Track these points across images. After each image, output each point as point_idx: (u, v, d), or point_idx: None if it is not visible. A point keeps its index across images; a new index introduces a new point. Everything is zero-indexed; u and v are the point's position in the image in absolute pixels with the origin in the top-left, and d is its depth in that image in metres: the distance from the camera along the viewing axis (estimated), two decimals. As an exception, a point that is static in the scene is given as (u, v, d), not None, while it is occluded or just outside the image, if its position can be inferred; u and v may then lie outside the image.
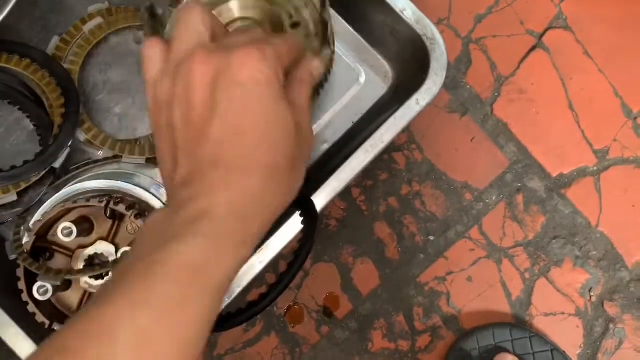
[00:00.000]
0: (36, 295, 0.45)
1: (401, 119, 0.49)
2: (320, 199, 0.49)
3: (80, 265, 0.47)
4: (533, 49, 0.57)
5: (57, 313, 0.47)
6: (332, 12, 0.55)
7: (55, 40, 0.52)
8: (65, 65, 0.52)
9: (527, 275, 0.56)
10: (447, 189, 0.56)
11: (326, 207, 0.55)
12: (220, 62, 0.29)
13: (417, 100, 0.50)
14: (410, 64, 0.54)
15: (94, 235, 0.47)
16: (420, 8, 0.50)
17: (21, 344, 0.46)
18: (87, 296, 0.47)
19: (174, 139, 0.30)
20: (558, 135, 0.57)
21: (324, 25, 0.50)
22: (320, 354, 0.54)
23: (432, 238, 0.56)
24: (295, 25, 0.51)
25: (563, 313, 0.56)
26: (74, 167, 0.52)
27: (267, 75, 0.29)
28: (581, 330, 0.56)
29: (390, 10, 0.51)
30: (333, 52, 0.50)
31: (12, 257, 0.47)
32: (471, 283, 0.56)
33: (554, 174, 0.57)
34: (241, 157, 0.28)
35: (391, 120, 0.49)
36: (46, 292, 0.45)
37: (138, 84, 0.54)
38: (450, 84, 0.57)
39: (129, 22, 0.53)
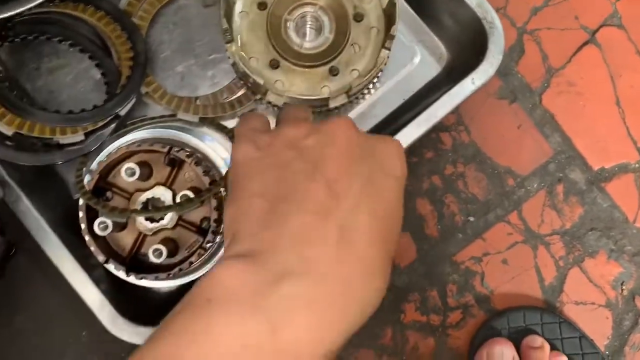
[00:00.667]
0: (96, 230, 0.47)
1: (455, 96, 0.51)
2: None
3: (138, 208, 0.49)
4: (585, 44, 0.59)
5: (111, 252, 0.49)
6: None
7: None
8: (135, 21, 0.54)
9: (561, 263, 0.57)
10: (490, 172, 0.58)
11: (372, 179, 0.57)
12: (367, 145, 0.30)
13: (473, 79, 0.51)
14: (466, 47, 0.55)
15: (152, 180, 0.49)
16: (479, -5, 0.52)
17: (78, 276, 0.48)
18: (141, 238, 0.49)
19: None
20: (603, 129, 0.58)
21: (388, 22, 0.52)
22: (354, 319, 0.56)
23: (471, 219, 0.57)
24: (358, 16, 0.53)
25: (593, 303, 0.57)
26: (132, 121, 0.54)
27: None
28: (610, 322, 0.57)
29: (451, -8, 0.53)
30: (389, 49, 0.52)
31: (76, 196, 0.49)
32: (506, 266, 0.57)
33: (596, 168, 0.58)
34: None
35: (446, 97, 0.51)
36: (106, 227, 0.47)
37: (201, 45, 0.56)
38: (502, 71, 0.58)
39: (201, -17, 0.55)
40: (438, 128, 0.58)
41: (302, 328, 0.25)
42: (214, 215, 0.50)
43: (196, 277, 0.50)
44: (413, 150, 0.58)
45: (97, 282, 0.49)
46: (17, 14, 0.44)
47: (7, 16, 0.44)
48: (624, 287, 0.57)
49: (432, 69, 0.58)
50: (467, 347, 0.56)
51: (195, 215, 0.50)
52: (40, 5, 0.45)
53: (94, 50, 0.53)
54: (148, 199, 0.49)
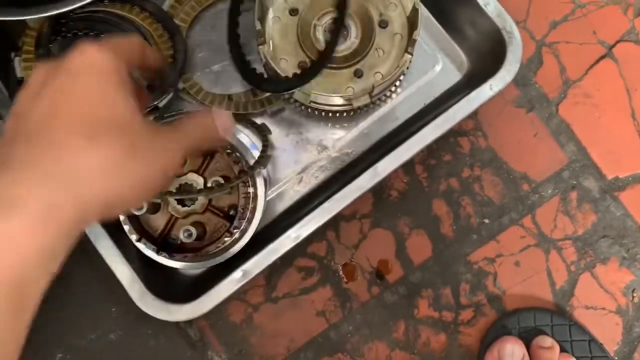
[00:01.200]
0: (132, 210, 0.50)
1: (473, 100, 0.54)
2: (390, 164, 0.53)
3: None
4: (602, 57, 0.61)
5: (144, 232, 0.53)
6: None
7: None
8: (176, 22, 0.58)
9: (572, 268, 0.59)
10: (506, 177, 0.60)
11: (389, 177, 0.60)
12: (58, 61, 0.33)
13: (491, 85, 0.54)
14: (486, 56, 0.58)
15: (186, 168, 0.53)
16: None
17: (112, 254, 0.52)
18: (172, 221, 0.53)
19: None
20: (618, 140, 0.60)
21: (411, 27, 0.55)
22: (368, 311, 0.58)
23: (486, 221, 0.60)
24: (383, 23, 0.56)
25: (604, 309, 0.58)
26: (170, 114, 0.58)
27: (103, 65, 0.32)
28: (620, 328, 0.58)
29: (474, 3, 0.55)
30: (412, 54, 0.55)
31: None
32: (518, 268, 0.59)
33: (610, 177, 0.60)
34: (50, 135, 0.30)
35: (464, 100, 0.54)
36: (141, 208, 0.51)
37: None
38: (520, 81, 0.61)
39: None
40: (457, 133, 0.60)
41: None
42: (242, 203, 0.53)
43: (222, 260, 0.53)
44: (432, 153, 0.60)
45: (129, 260, 0.52)
46: (70, 11, 0.49)
47: (62, 12, 0.48)
48: (634, 295, 0.59)
49: (453, 76, 0.60)
50: (477, 345, 0.58)
51: (224, 202, 0.54)
52: (91, 3, 0.50)
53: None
54: (181, 184, 0.53)
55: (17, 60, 0.54)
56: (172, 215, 0.53)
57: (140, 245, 0.51)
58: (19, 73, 0.53)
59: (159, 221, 0.53)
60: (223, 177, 0.52)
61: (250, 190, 0.53)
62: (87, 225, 0.32)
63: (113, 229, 0.53)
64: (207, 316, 0.57)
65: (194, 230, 0.50)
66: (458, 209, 0.60)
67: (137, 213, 0.51)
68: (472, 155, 0.60)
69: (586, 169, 0.60)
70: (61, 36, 0.55)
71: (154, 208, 0.53)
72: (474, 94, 0.54)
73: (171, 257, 0.51)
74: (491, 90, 0.54)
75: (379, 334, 0.58)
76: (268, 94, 0.58)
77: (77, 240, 0.29)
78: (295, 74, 0.52)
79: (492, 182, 0.60)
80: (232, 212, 0.53)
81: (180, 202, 0.53)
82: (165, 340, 0.56)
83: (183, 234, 0.51)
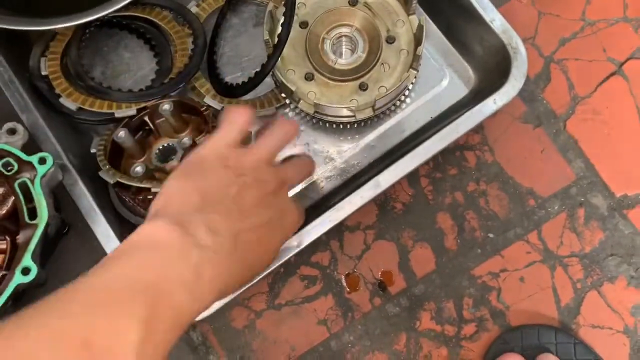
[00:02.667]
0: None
1: (477, 114, 0.54)
2: (393, 175, 0.54)
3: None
4: (612, 75, 0.61)
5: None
6: (426, 17, 0.61)
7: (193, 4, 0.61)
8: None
9: (578, 286, 0.58)
10: (512, 192, 0.60)
11: (394, 189, 0.60)
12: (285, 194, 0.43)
13: (495, 100, 0.55)
14: (492, 71, 0.58)
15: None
16: (509, 23, 0.56)
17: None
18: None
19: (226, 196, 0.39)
20: (627, 158, 0.60)
21: (417, 44, 0.56)
22: (370, 322, 0.58)
23: (491, 235, 0.59)
24: (390, 39, 0.58)
25: (611, 328, 0.57)
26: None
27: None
28: (627, 348, 0.57)
29: (480, 19, 0.56)
30: (417, 70, 0.57)
31: (92, 150, 0.55)
32: (523, 284, 0.58)
33: (618, 194, 0.59)
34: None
35: (468, 114, 0.54)
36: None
37: (247, 60, 0.62)
38: (528, 97, 0.61)
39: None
40: (463, 147, 0.61)
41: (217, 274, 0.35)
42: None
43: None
44: (437, 166, 0.61)
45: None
46: (95, 20, 0.51)
47: (87, 21, 0.51)
48: (643, 315, 0.57)
49: (460, 91, 0.61)
50: (479, 360, 0.57)
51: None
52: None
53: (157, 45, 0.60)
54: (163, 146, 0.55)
55: (43, 60, 0.56)
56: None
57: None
58: (44, 71, 0.56)
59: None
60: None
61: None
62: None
63: (124, 233, 0.54)
64: (210, 321, 0.58)
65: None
66: (463, 223, 0.60)
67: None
68: (478, 169, 0.60)
69: (594, 186, 0.60)
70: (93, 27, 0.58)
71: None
72: (477, 107, 0.54)
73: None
74: (495, 105, 0.54)
75: (380, 345, 0.58)
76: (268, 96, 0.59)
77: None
78: (249, 79, 0.55)
79: (498, 197, 0.60)
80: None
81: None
82: (168, 343, 0.57)
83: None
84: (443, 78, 0.61)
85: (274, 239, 0.42)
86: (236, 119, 0.43)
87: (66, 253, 0.57)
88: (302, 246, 0.53)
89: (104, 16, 0.52)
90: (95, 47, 0.62)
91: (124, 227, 0.55)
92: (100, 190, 0.56)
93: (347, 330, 0.58)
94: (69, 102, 0.55)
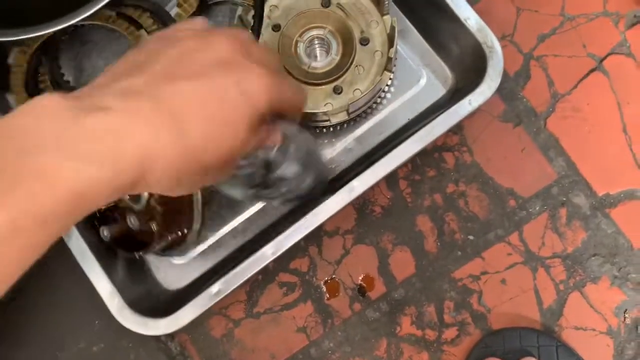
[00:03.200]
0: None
1: (452, 115, 0.53)
2: (369, 179, 0.53)
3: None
4: (592, 71, 0.60)
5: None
6: (400, 15, 0.60)
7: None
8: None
9: (561, 287, 0.57)
10: (492, 193, 0.59)
11: (373, 193, 0.59)
12: (244, 59, 0.32)
13: (470, 101, 0.53)
14: (469, 71, 0.57)
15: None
16: (486, 22, 0.54)
17: (94, 269, 0.53)
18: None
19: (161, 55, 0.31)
20: (609, 156, 0.59)
21: (390, 45, 0.55)
22: (350, 328, 0.58)
23: (471, 237, 0.59)
24: (364, 40, 0.56)
25: (594, 329, 0.56)
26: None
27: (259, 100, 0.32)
28: (611, 350, 0.56)
29: (455, 18, 0.55)
30: (392, 72, 0.55)
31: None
32: (504, 286, 0.58)
33: (600, 193, 0.58)
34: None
35: (443, 115, 0.53)
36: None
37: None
38: (507, 95, 0.60)
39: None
40: (441, 148, 0.60)
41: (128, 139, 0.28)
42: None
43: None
44: (415, 168, 0.60)
45: (111, 275, 0.53)
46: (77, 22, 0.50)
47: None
48: (626, 315, 0.56)
49: (438, 91, 0.60)
50: (461, 365, 0.57)
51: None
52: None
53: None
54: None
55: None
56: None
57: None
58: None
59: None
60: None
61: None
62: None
63: (97, 247, 0.54)
64: (188, 330, 0.57)
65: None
66: (442, 225, 0.59)
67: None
68: (457, 170, 0.60)
69: (576, 185, 0.59)
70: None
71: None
72: (453, 108, 0.53)
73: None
74: (470, 106, 0.53)
75: (361, 351, 0.57)
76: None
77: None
78: None
79: (478, 198, 0.59)
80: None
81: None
82: (145, 354, 0.56)
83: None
84: (420, 78, 0.60)
85: (229, 106, 0.31)
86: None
87: (42, 266, 0.57)
88: (280, 252, 0.52)
89: (78, 21, 0.50)
90: (70, 51, 0.61)
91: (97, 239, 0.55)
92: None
93: (327, 337, 0.57)
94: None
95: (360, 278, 0.58)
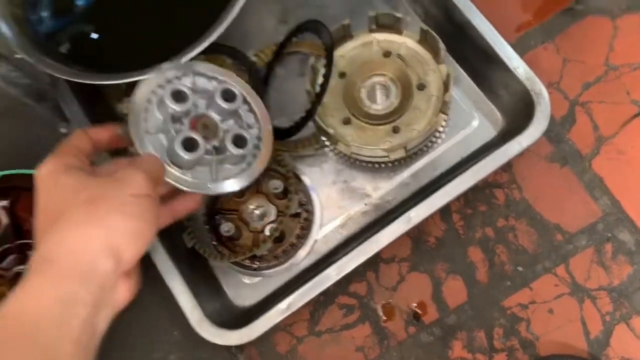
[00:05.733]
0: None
1: (501, 154, 0.59)
2: (424, 211, 0.58)
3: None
4: (636, 116, 0.64)
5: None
6: (455, 64, 0.66)
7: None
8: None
9: (607, 318, 0.60)
10: (540, 227, 0.63)
11: (427, 224, 0.64)
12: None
13: (519, 142, 0.59)
14: (519, 115, 0.63)
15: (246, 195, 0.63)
16: (534, 71, 0.60)
17: (180, 288, 0.59)
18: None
19: None
20: (653, 195, 0.62)
21: (445, 90, 0.61)
22: (404, 350, 0.62)
23: (520, 269, 0.63)
24: (421, 86, 0.63)
25: (640, 361, 0.59)
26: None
27: None
28: (658, 381, 0.58)
29: (505, 67, 0.61)
30: (447, 114, 0.62)
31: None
32: (552, 315, 0.61)
33: (645, 230, 0.62)
34: None
35: (493, 155, 0.59)
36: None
37: (292, 106, 0.68)
38: (554, 138, 0.65)
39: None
40: (492, 185, 0.65)
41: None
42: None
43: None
44: (468, 203, 0.65)
45: (193, 290, 0.59)
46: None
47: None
48: (673, 348, 0.59)
49: (489, 133, 0.65)
50: (510, 389, 0.60)
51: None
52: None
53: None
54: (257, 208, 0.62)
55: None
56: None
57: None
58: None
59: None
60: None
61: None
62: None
63: (180, 264, 0.60)
64: (256, 345, 0.63)
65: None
66: (493, 257, 0.63)
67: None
68: (506, 206, 0.64)
69: (621, 222, 0.62)
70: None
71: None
72: (502, 148, 0.59)
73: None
74: (519, 146, 0.58)
75: (414, 372, 0.61)
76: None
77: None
78: (295, 123, 0.62)
79: (526, 232, 0.63)
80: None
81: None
82: (218, 364, 0.62)
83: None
84: (472, 120, 0.66)
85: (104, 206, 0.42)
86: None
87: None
88: (341, 276, 0.58)
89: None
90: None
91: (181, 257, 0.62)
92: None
93: (383, 357, 0.62)
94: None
95: (414, 304, 0.63)
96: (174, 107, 0.51)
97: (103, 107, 0.68)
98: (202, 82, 0.55)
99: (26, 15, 0.64)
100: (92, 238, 0.41)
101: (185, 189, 0.51)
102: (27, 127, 0.69)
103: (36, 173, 0.45)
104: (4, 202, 0.60)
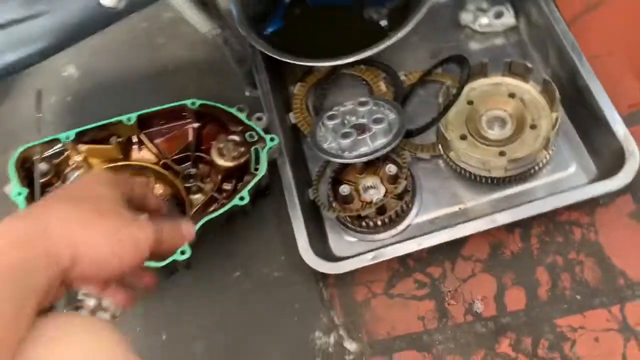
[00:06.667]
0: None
1: (588, 191, 0.70)
2: (507, 217, 0.71)
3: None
4: None
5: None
6: (565, 116, 0.79)
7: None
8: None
9: (648, 361, 0.67)
10: (606, 268, 0.72)
11: (508, 238, 0.76)
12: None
13: (605, 184, 0.70)
14: (611, 171, 0.73)
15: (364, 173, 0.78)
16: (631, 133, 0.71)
17: (299, 223, 0.76)
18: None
19: None
20: None
21: (552, 132, 0.74)
22: (458, 331, 0.72)
23: (578, 297, 0.71)
24: (533, 126, 0.76)
25: (671, 407, 0.64)
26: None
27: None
28: None
29: (609, 128, 0.73)
30: (549, 152, 0.74)
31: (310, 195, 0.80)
32: (597, 343, 0.69)
33: None
34: None
35: (580, 189, 0.70)
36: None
37: (423, 116, 0.84)
38: (639, 198, 0.74)
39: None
40: (573, 222, 0.75)
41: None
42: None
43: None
44: (548, 231, 0.75)
45: (307, 230, 0.75)
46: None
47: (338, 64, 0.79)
48: None
49: (581, 180, 0.76)
50: (541, 392, 0.68)
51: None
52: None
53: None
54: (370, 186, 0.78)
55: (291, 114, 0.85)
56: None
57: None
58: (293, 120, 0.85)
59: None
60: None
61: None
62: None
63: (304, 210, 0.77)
64: (339, 287, 0.77)
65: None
66: (557, 280, 0.73)
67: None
68: (581, 243, 0.74)
69: (684, 285, 0.69)
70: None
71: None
72: (590, 186, 0.70)
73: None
74: (604, 187, 0.70)
75: (461, 351, 0.71)
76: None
77: None
78: (422, 126, 0.79)
79: (592, 269, 0.72)
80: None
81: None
82: (305, 290, 0.77)
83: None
84: (569, 166, 0.77)
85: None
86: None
87: (260, 210, 0.81)
88: (421, 247, 0.71)
89: (344, 64, 0.79)
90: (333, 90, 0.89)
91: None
92: (301, 177, 0.81)
93: (439, 332, 0.73)
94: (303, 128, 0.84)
95: (478, 297, 0.74)
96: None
97: (280, 84, 0.89)
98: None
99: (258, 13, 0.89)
100: (73, 230, 0.42)
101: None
102: (225, 84, 0.91)
103: (94, 171, 0.62)
104: (195, 124, 0.81)
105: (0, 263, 0.37)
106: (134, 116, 0.77)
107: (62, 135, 0.74)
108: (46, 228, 0.41)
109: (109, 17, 0.54)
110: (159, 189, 0.79)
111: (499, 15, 0.87)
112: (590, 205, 0.74)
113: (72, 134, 0.75)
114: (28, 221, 0.42)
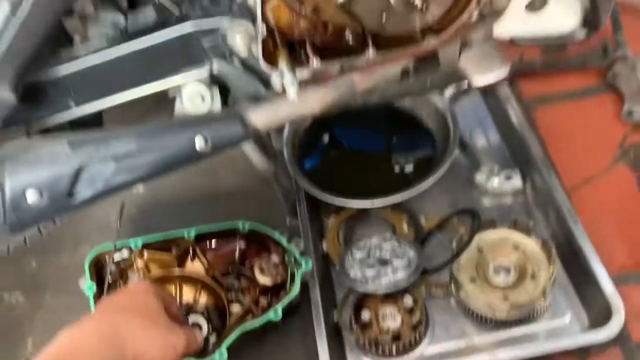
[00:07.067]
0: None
1: (576, 342, 0.80)
2: (506, 354, 0.80)
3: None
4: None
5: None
6: (562, 269, 0.90)
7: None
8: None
9: None
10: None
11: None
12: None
13: (596, 334, 0.79)
14: (600, 321, 0.83)
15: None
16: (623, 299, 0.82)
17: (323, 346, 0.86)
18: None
19: None
20: None
21: (549, 282, 0.86)
22: None
23: None
24: (533, 276, 0.88)
25: None
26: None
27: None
28: None
29: (598, 284, 0.84)
30: (545, 300, 0.85)
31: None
32: None
33: None
34: None
35: (571, 337, 0.80)
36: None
37: (436, 262, 0.96)
38: (627, 352, 0.83)
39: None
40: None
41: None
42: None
43: None
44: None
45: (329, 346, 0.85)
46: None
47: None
48: None
49: (575, 328, 0.86)
50: None
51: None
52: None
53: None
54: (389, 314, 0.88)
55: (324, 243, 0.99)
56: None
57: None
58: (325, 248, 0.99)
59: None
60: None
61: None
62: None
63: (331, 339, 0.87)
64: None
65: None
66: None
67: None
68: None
69: None
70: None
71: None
72: (578, 337, 0.81)
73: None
74: (592, 337, 0.79)
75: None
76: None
77: None
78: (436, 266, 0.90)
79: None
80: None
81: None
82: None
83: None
84: (565, 314, 0.87)
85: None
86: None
87: (289, 325, 0.91)
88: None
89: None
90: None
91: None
92: (327, 299, 0.92)
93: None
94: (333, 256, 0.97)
95: None
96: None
97: (316, 215, 1.04)
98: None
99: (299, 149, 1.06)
100: (136, 335, 0.62)
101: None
102: (268, 211, 1.05)
103: (143, 283, 0.78)
104: (242, 243, 0.94)
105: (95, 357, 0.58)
106: (193, 231, 0.91)
107: (132, 242, 0.88)
108: (118, 332, 0.59)
109: (197, 157, 0.70)
110: (203, 297, 0.90)
111: (508, 178, 1.02)
112: (583, 353, 0.83)
113: (139, 242, 0.88)
114: (104, 324, 0.61)
